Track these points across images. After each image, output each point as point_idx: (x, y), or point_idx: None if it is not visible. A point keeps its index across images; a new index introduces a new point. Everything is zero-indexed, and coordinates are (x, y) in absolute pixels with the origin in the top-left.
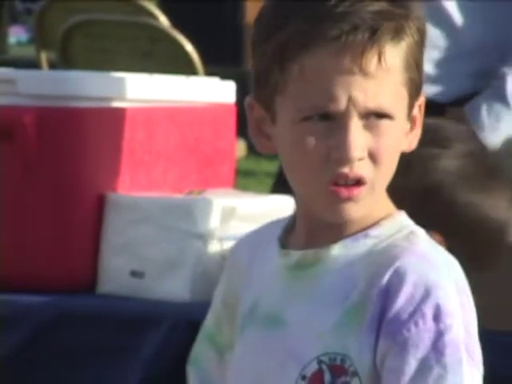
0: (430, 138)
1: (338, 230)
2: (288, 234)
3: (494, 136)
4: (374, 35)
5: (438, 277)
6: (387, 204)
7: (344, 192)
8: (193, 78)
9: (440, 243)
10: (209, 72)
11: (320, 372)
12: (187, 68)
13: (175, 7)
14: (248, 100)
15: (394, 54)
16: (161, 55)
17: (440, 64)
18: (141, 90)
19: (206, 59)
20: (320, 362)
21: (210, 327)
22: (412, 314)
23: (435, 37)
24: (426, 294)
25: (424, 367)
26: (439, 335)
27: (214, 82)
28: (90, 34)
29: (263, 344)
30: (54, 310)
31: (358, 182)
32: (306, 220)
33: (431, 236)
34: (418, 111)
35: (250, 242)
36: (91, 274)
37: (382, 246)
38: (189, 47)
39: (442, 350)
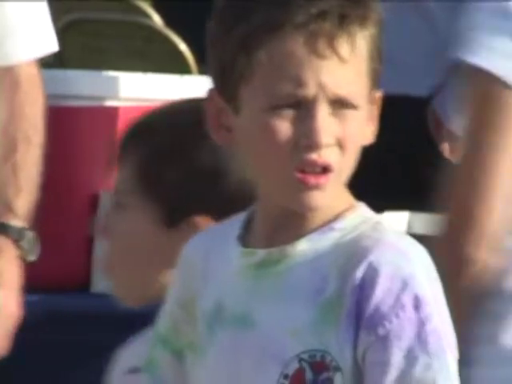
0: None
1: (301, 225)
2: (247, 231)
3: (458, 121)
4: (343, 22)
5: (412, 267)
6: (347, 196)
7: (312, 179)
8: (186, 77)
9: (209, 226)
10: (202, 71)
11: (301, 370)
12: (181, 67)
13: (169, 6)
14: (208, 92)
15: (362, 42)
16: (154, 54)
17: (420, 58)
18: (134, 89)
19: (199, 58)
20: (301, 359)
21: (164, 330)
22: (392, 307)
23: (418, 31)
24: (404, 285)
25: (409, 357)
26: (421, 324)
27: (208, 80)
28: (84, 33)
29: (237, 346)
30: (48, 308)
31: (325, 170)
32: (268, 216)
33: (202, 221)
34: (375, 104)
35: (204, 242)
36: (85, 272)
37: (348, 237)
38: (182, 46)
39: (426, 339)
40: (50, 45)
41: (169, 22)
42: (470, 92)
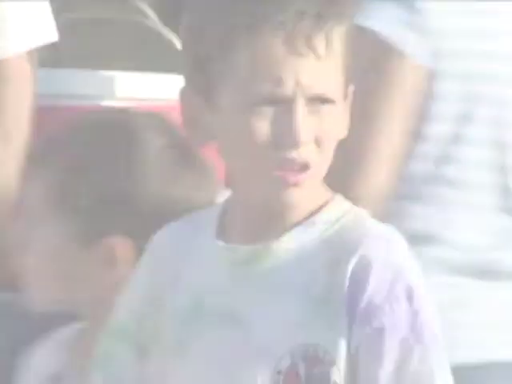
0: (119, 132)
1: (282, 220)
2: (223, 226)
3: None
4: (320, 20)
5: (402, 257)
6: (325, 189)
7: (291, 177)
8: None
9: (126, 247)
10: None
11: (294, 365)
12: (178, 66)
13: (166, 5)
14: (183, 90)
15: (338, 39)
16: (151, 53)
17: None
18: (131, 88)
19: None
20: (293, 355)
21: (125, 323)
22: (385, 298)
23: None
24: (396, 277)
25: (405, 348)
26: (415, 315)
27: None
28: (81, 32)
29: (226, 344)
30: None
31: (304, 168)
32: (247, 212)
33: (116, 243)
34: (348, 99)
35: (173, 235)
36: None
37: (332, 230)
38: (179, 45)
39: (420, 329)
40: (47, 35)
41: (166, 20)
42: (361, 55)
